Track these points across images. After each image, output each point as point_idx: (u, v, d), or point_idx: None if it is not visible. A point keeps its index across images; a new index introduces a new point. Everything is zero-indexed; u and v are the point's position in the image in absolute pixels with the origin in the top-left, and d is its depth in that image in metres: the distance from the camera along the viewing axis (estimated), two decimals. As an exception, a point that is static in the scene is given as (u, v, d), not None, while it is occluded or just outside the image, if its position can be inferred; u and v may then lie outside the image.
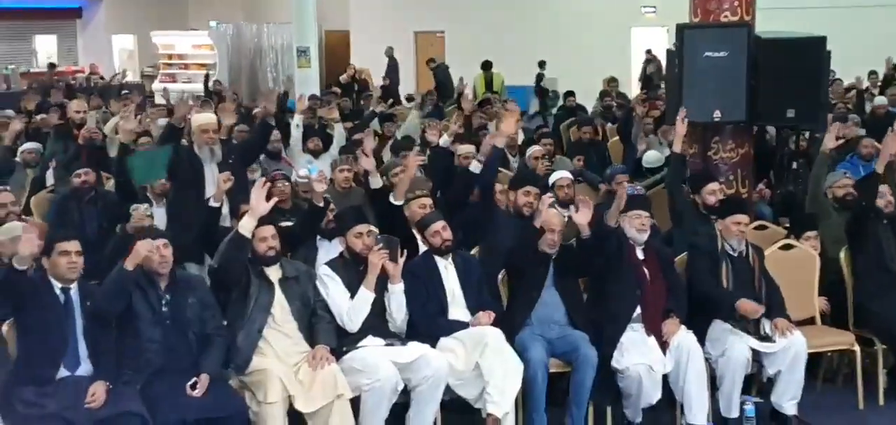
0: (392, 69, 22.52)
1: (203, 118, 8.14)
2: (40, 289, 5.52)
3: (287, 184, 8.14)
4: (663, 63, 13.97)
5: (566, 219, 6.88)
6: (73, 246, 5.56)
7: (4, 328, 5.61)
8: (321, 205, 6.82)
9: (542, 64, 21.39)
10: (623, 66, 22.42)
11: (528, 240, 6.66)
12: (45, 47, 29.26)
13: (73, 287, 5.57)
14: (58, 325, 5.49)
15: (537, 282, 6.52)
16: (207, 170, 7.87)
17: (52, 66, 25.87)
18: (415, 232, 6.78)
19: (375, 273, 6.11)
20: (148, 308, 5.66)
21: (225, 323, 5.94)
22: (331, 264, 6.30)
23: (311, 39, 22.43)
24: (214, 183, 7.68)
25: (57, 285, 5.54)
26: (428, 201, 7.10)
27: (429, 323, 6.26)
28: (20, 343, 5.52)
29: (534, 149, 10.07)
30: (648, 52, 22.59)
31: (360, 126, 12.81)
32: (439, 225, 6.51)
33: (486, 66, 20.25)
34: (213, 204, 7.03)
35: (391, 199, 7.14)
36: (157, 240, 5.75)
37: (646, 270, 6.58)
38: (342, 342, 6.06)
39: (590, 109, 16.15)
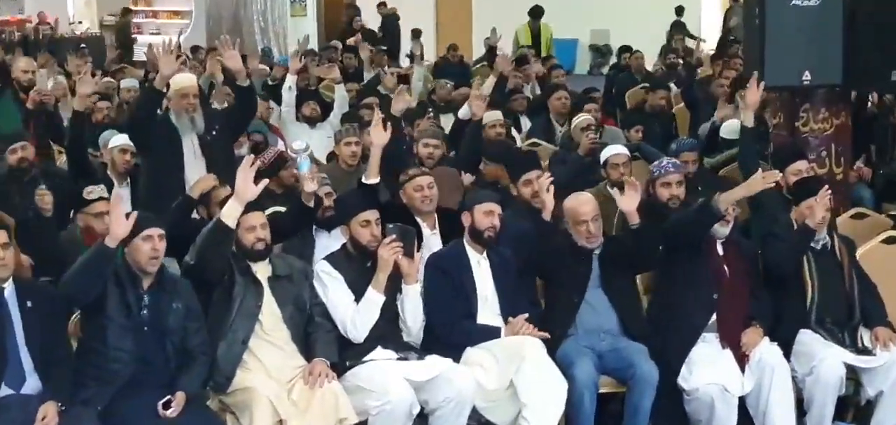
0: (391, 26, 22.47)
1: (183, 80, 8.10)
2: None
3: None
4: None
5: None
6: (1, 238, 5.55)
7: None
8: (310, 205, 6.79)
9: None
10: (692, 14, 22.27)
11: (551, 236, 6.64)
12: (-16, -9, 29.32)
13: (7, 286, 5.58)
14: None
15: (579, 284, 6.53)
16: (187, 142, 7.88)
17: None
18: (420, 221, 6.82)
19: (386, 271, 6.11)
20: (122, 309, 5.65)
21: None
22: (331, 259, 6.31)
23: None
24: (195, 156, 7.71)
25: None
26: (426, 181, 7.12)
27: (453, 329, 6.27)
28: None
29: (580, 119, 10.05)
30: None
31: (367, 89, 12.83)
32: (483, 208, 6.50)
33: (536, 13, 19.52)
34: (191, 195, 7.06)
35: (363, 179, 7.20)
36: (152, 228, 5.74)
37: (726, 268, 6.57)
38: (345, 355, 6.08)
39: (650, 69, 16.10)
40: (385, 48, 17.98)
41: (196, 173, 7.71)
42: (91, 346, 5.66)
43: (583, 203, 6.62)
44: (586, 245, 6.54)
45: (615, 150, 8.29)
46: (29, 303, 5.58)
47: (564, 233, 6.62)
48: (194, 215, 7.06)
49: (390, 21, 21.20)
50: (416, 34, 19.08)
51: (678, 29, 18.62)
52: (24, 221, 7.12)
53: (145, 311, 5.71)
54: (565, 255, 6.57)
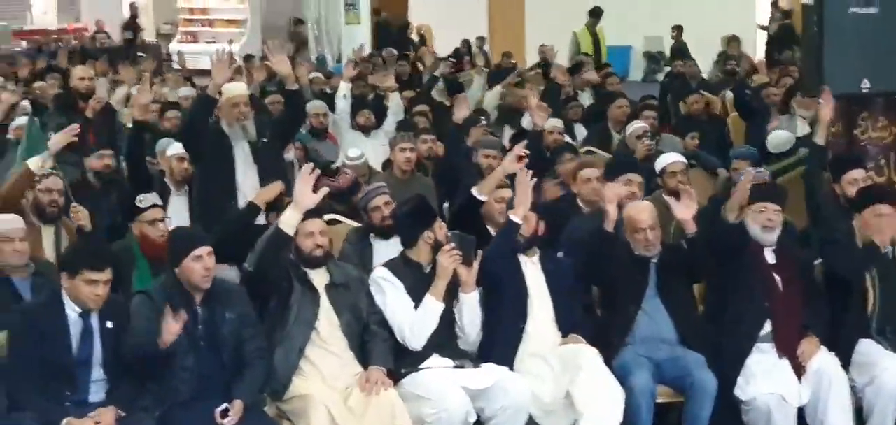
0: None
1: (234, 89, 8.13)
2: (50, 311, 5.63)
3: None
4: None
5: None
6: (104, 276, 5.61)
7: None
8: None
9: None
10: (746, 22, 22.12)
11: (614, 243, 6.62)
12: (42, 1, 29.59)
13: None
14: (65, 356, 5.57)
15: (636, 293, 6.50)
16: (238, 150, 7.92)
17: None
18: (493, 232, 6.81)
19: (446, 279, 6.11)
20: (181, 333, 5.67)
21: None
22: (389, 266, 6.30)
23: (361, -10, 22.58)
24: (247, 164, 7.74)
25: (73, 308, 5.62)
26: (508, 194, 7.10)
27: (505, 330, 6.27)
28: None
29: (635, 126, 10.01)
30: (775, 4, 22.31)
31: (422, 95, 12.85)
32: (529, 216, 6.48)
33: (596, 12, 19.09)
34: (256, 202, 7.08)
35: (474, 192, 7.16)
36: (200, 247, 5.78)
37: (777, 277, 6.51)
38: (401, 362, 6.08)
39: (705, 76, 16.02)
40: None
41: (248, 180, 7.79)
42: (157, 365, 5.68)
43: (641, 211, 6.60)
44: (644, 253, 6.51)
45: (672, 159, 8.22)
46: (109, 324, 5.66)
47: (623, 242, 6.59)
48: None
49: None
50: (481, 42, 19.04)
51: (733, 40, 18.47)
52: (102, 228, 7.35)
53: (201, 327, 5.76)
54: (623, 264, 6.54)
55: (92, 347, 5.62)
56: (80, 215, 7.29)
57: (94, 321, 5.64)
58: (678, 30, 20.20)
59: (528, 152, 7.47)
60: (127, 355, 5.60)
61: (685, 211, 6.44)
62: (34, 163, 7.31)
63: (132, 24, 24.62)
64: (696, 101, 12.22)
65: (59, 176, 7.44)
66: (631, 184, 7.32)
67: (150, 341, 5.51)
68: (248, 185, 7.74)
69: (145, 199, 7.00)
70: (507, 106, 12.57)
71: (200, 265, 5.73)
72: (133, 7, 24.65)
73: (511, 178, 7.29)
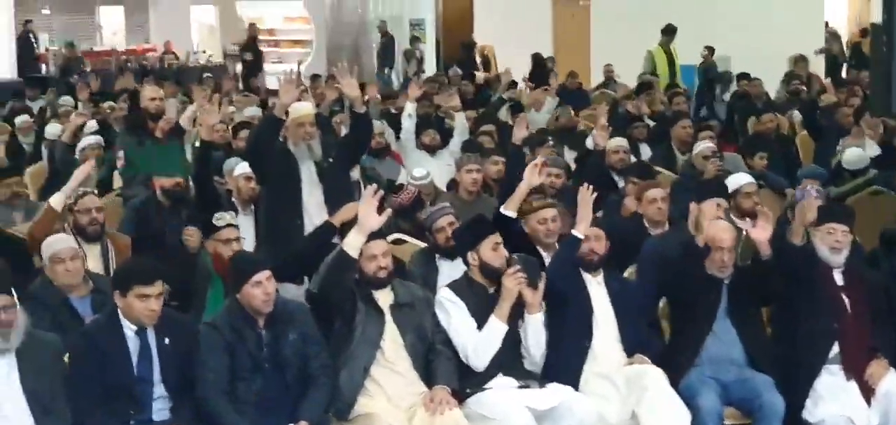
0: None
1: (300, 109, 8.12)
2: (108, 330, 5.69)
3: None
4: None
5: (743, 233, 6.80)
6: (155, 290, 5.67)
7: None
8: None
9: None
10: (813, 41, 21.91)
11: (693, 260, 6.59)
12: (112, 21, 29.91)
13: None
14: (125, 375, 5.64)
15: (708, 313, 6.45)
16: (304, 170, 7.94)
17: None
18: (542, 253, 6.83)
19: (511, 300, 6.11)
20: (246, 355, 5.74)
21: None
22: (454, 287, 6.31)
23: (426, 10, 22.60)
24: (313, 184, 7.77)
25: (130, 326, 5.69)
26: (550, 213, 7.11)
27: (569, 349, 6.25)
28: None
29: (702, 146, 9.95)
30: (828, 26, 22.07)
31: (487, 115, 12.85)
32: (592, 232, 6.46)
33: (669, 30, 18.80)
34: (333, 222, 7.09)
35: (502, 209, 7.15)
36: (259, 273, 5.82)
37: (845, 299, 6.45)
38: (466, 382, 6.08)
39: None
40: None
41: (314, 200, 7.79)
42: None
43: (723, 230, 6.55)
44: (718, 274, 6.47)
45: (745, 180, 8.11)
46: (166, 340, 5.71)
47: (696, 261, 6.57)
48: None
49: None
50: (552, 63, 19.01)
51: (801, 59, 18.29)
52: (173, 246, 7.38)
53: (265, 349, 5.80)
54: (696, 283, 6.51)
55: (151, 365, 5.66)
56: (193, 238, 7.34)
57: (152, 338, 5.69)
58: (709, 50, 20.09)
59: (544, 162, 7.56)
60: (198, 393, 5.67)
61: (761, 232, 6.39)
62: (56, 200, 7.33)
63: (252, 45, 24.65)
64: (770, 119, 12.12)
65: (94, 194, 7.54)
66: (720, 208, 7.24)
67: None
68: (314, 205, 7.74)
69: (221, 218, 7.06)
70: (562, 126, 12.54)
71: (260, 290, 5.78)
72: (253, 27, 24.69)
73: (557, 196, 7.32)
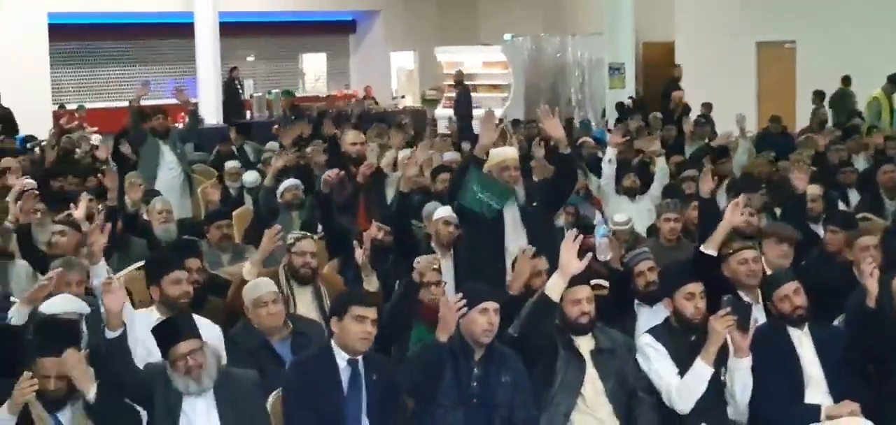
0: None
1: (502, 152, 8.18)
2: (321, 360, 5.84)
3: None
4: None
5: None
6: (371, 313, 5.81)
7: (271, 401, 5.92)
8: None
9: None
10: None
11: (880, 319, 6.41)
12: (314, 67, 30.63)
13: (360, 358, 5.84)
14: (337, 402, 5.76)
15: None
16: (507, 213, 7.96)
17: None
18: (744, 295, 6.74)
19: (718, 343, 6.03)
20: (454, 383, 5.83)
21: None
22: (654, 333, 6.30)
23: (626, 54, 22.50)
24: (516, 228, 7.79)
25: (342, 356, 5.82)
26: (751, 254, 7.01)
27: (777, 407, 6.15)
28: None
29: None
30: None
31: (690, 160, 12.73)
32: (790, 288, 6.38)
33: (894, 79, 18.41)
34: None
35: (702, 249, 7.06)
36: (487, 302, 5.91)
37: None
38: (668, 431, 6.05)
39: None
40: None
41: (516, 244, 7.77)
42: (422, 420, 5.87)
43: None
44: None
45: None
46: (374, 376, 5.83)
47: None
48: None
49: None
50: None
51: None
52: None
53: (475, 384, 5.85)
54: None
55: (360, 396, 5.78)
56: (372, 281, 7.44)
57: (362, 369, 5.81)
58: (819, 96, 19.55)
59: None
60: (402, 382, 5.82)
61: None
62: (247, 271, 7.32)
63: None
64: None
65: (312, 238, 7.64)
66: None
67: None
68: (517, 249, 7.68)
69: (421, 260, 7.15)
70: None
71: (485, 319, 5.85)
72: (460, 73, 25.00)
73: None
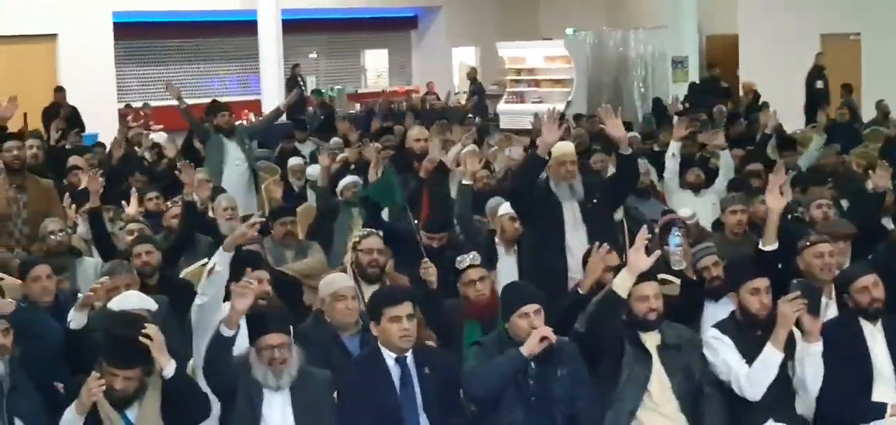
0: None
1: (562, 148, 8.11)
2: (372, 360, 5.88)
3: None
4: None
5: None
6: (404, 310, 5.85)
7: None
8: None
9: None
10: None
11: None
12: (376, 64, 30.72)
13: (408, 353, 5.88)
14: (390, 400, 5.80)
15: None
16: (567, 210, 7.96)
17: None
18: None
19: (787, 327, 5.98)
20: (512, 385, 5.82)
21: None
22: (720, 327, 6.26)
23: (689, 47, 22.37)
24: (576, 225, 7.78)
25: (390, 356, 5.85)
26: (827, 248, 6.94)
27: (844, 402, 6.09)
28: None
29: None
30: None
31: (755, 153, 12.64)
32: (869, 280, 6.31)
33: None
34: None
35: (760, 245, 7.03)
36: (528, 305, 5.91)
37: None
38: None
39: None
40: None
41: (577, 241, 7.79)
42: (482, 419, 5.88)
43: None
44: None
45: None
46: (426, 370, 5.86)
47: None
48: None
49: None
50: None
51: None
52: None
53: (532, 383, 5.85)
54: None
55: (413, 392, 5.82)
56: (430, 271, 7.42)
57: (412, 366, 5.84)
58: (847, 90, 19.21)
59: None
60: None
61: None
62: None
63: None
64: None
65: (378, 236, 7.63)
66: None
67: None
68: (577, 246, 7.72)
69: (463, 260, 7.15)
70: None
71: (526, 323, 5.86)
72: (473, 70, 24.97)
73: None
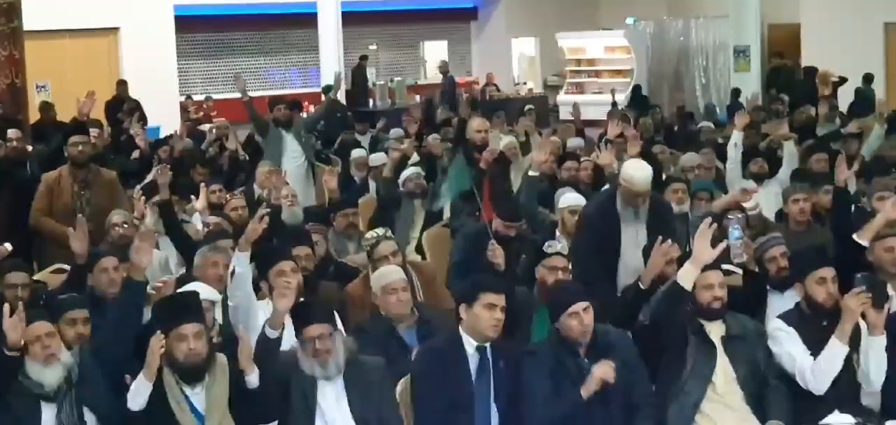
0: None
1: (641, 178, 7.68)
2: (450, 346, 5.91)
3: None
4: None
5: None
6: (501, 300, 5.87)
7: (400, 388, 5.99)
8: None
9: None
10: None
11: None
12: (435, 55, 30.78)
13: (487, 345, 5.89)
14: (465, 388, 5.83)
15: None
16: (626, 229, 7.84)
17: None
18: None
19: (852, 321, 5.94)
20: (569, 385, 5.84)
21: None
22: (785, 318, 6.23)
23: (751, 36, 22.22)
24: (635, 245, 7.74)
25: (471, 343, 5.87)
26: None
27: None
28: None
29: None
30: None
31: (820, 143, 12.52)
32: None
33: None
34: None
35: (856, 237, 6.99)
36: (578, 302, 5.90)
37: None
38: (801, 417, 5.97)
39: None
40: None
41: (632, 232, 7.70)
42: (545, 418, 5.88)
43: None
44: None
45: None
46: (501, 363, 5.89)
47: None
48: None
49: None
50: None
51: None
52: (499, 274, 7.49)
53: (587, 375, 5.84)
54: None
55: (488, 383, 5.85)
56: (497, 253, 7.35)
57: (490, 356, 5.87)
58: (866, 80, 18.85)
59: None
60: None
61: None
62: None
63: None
64: None
65: (392, 240, 7.63)
66: None
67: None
68: (631, 239, 7.65)
69: (552, 245, 7.09)
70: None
71: (576, 322, 5.87)
72: (444, 63, 24.92)
73: None
